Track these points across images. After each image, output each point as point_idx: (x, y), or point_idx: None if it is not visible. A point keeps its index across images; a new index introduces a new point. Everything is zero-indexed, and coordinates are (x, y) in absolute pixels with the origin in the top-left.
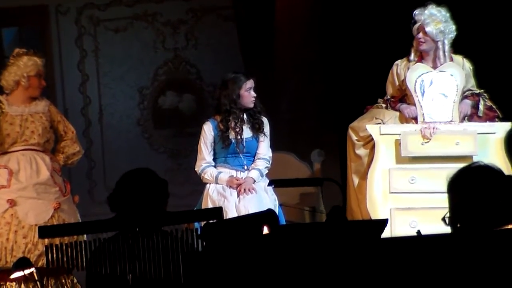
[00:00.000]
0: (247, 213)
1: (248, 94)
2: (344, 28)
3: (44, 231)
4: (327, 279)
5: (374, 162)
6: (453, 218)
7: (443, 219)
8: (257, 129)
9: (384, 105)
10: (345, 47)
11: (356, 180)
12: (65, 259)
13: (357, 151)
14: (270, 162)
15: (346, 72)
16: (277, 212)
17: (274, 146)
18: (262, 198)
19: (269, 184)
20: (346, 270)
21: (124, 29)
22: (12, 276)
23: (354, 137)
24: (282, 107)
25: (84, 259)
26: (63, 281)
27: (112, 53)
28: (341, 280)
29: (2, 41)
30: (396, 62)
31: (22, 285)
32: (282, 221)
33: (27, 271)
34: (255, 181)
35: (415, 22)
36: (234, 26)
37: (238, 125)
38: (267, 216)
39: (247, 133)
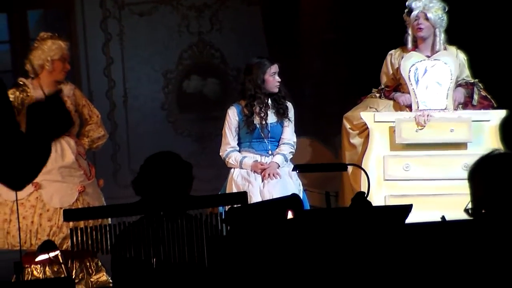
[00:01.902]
0: (271, 198)
1: (272, 79)
2: (366, 12)
3: (69, 214)
4: (351, 264)
5: (369, 150)
6: (478, 206)
7: (466, 210)
8: (281, 114)
9: (378, 95)
10: (367, 31)
11: (350, 169)
12: (89, 242)
13: (352, 140)
14: (295, 147)
15: (370, 56)
16: (301, 197)
17: (298, 131)
18: (287, 183)
19: (293, 169)
20: (370, 255)
21: (149, 13)
22: (37, 259)
23: (348, 126)
24: (306, 92)
25: (108, 243)
26: (88, 264)
27: (137, 37)
28: (365, 265)
29: (27, 24)
30: (390, 52)
31: (47, 268)
32: (306, 206)
33: (52, 254)
34: (279, 166)
35: (411, 11)
36: (259, 10)
37: (262, 110)
38: (291, 201)
39: (271, 118)
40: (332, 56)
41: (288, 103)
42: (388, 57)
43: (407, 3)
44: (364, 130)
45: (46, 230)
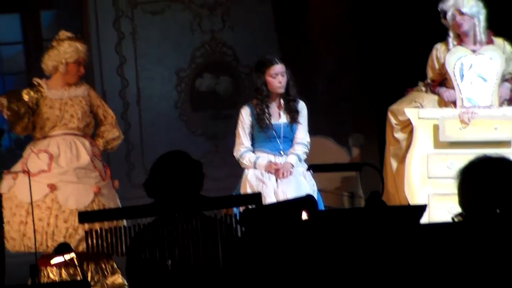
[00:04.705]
0: (285, 198)
1: (273, 80)
2: (380, 7)
3: (84, 216)
4: (366, 264)
5: (412, 147)
6: (469, 209)
7: (452, 218)
8: (291, 118)
9: (424, 89)
10: (381, 27)
11: (394, 164)
12: (104, 244)
13: (396, 135)
14: (309, 147)
15: (383, 52)
16: (315, 198)
17: (311, 130)
18: (301, 183)
19: (307, 169)
20: (384, 255)
21: (161, 12)
22: (53, 262)
23: (394, 121)
24: (318, 89)
25: (123, 245)
26: (103, 266)
27: (150, 36)
28: (379, 265)
29: (40, 24)
30: (435, 46)
31: (63, 270)
32: (321, 206)
33: (67, 257)
34: (293, 166)
35: (445, 13)
36: (270, 7)
37: (268, 110)
38: (306, 201)
39: (283, 118)
40: (344, 52)
41: (300, 102)
42: (434, 51)
43: (438, 8)
44: (407, 125)
45: (62, 232)
